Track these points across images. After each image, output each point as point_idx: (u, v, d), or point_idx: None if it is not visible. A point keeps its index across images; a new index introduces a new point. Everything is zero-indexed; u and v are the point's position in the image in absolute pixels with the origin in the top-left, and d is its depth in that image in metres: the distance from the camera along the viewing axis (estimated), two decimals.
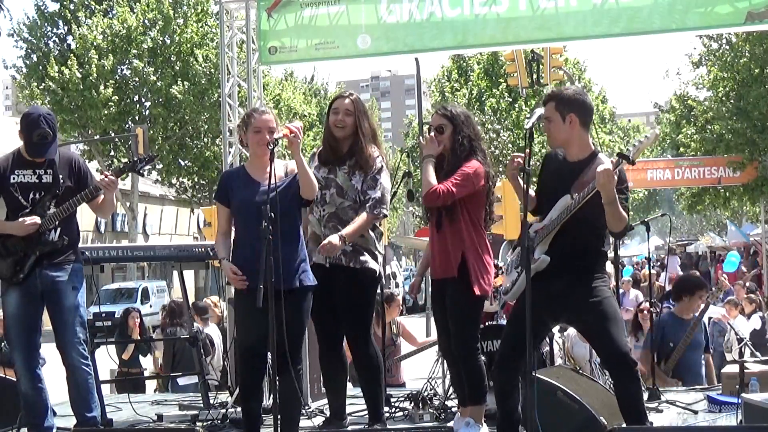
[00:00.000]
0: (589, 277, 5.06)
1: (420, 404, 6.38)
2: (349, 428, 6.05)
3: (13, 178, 5.67)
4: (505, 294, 5.40)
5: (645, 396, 6.86)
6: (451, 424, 5.94)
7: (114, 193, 5.82)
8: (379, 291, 6.40)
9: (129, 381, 9.94)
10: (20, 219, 5.62)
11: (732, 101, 26.50)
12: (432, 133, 5.73)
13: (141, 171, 6.07)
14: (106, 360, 8.41)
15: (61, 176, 5.73)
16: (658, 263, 24.86)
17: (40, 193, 5.68)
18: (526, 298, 4.60)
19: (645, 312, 9.50)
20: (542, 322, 5.15)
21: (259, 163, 5.36)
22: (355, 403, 6.72)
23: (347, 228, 5.72)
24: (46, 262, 5.65)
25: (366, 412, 6.46)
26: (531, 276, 4.74)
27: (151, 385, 11.21)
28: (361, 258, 5.83)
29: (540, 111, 5.10)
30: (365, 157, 5.84)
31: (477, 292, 5.61)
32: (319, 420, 6.39)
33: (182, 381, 9.51)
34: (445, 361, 6.62)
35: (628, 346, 5.29)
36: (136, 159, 5.93)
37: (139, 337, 10.72)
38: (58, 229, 5.69)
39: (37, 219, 5.63)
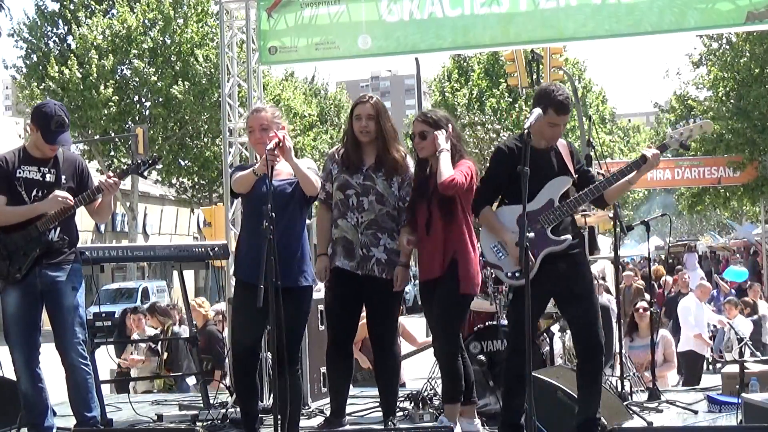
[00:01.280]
0: (586, 260, 5.48)
1: (420, 404, 6.38)
2: (349, 428, 6.05)
3: (19, 173, 5.69)
4: (516, 278, 5.33)
5: (645, 396, 6.88)
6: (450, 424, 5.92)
7: (112, 196, 5.83)
8: None
9: (129, 381, 9.93)
10: (54, 193, 5.62)
11: (732, 101, 26.51)
12: (415, 140, 5.75)
13: (144, 173, 6.07)
14: (107, 360, 8.41)
15: (63, 176, 5.74)
16: (655, 262, 24.83)
17: (43, 191, 5.69)
18: (525, 297, 4.61)
19: (641, 311, 9.51)
20: (544, 304, 5.45)
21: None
22: (356, 403, 6.73)
23: (404, 257, 5.86)
24: (46, 262, 5.65)
25: (366, 412, 6.47)
26: (544, 257, 5.16)
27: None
28: (394, 269, 5.83)
29: (538, 111, 5.14)
30: (393, 160, 5.82)
31: (464, 291, 5.61)
32: (319, 420, 6.39)
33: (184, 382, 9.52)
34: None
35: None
36: (139, 161, 5.93)
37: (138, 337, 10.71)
38: (58, 229, 5.69)
39: (68, 195, 5.63)
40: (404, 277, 5.84)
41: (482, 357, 6.26)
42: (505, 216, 5.34)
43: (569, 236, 5.26)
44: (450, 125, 5.75)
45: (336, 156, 5.97)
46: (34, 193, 5.68)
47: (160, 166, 30.83)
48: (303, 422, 6.37)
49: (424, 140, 5.71)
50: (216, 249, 7.02)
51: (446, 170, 5.49)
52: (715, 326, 13.25)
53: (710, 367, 13.22)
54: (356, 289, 5.79)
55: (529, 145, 4.87)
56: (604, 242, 18.71)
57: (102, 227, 37.19)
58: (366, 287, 5.79)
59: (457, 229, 5.60)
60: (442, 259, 5.59)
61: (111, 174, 5.75)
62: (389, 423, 5.80)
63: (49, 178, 5.72)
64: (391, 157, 5.81)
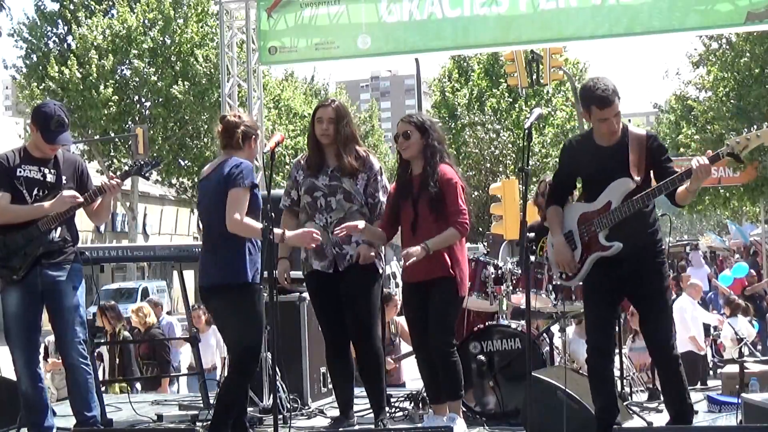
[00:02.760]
0: (656, 265, 5.18)
1: (420, 404, 6.38)
2: (349, 429, 6.05)
3: (20, 172, 5.69)
4: (567, 279, 5.36)
5: (645, 396, 6.88)
6: (447, 422, 5.90)
7: (112, 198, 5.84)
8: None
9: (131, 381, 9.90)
10: (60, 194, 5.64)
11: (732, 101, 26.50)
12: (399, 140, 5.72)
13: (146, 175, 6.08)
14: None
15: (64, 177, 5.75)
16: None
17: (43, 191, 5.69)
18: (526, 297, 4.62)
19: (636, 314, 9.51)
20: (614, 305, 5.30)
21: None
22: (356, 404, 6.73)
23: (371, 232, 5.78)
24: (46, 262, 5.65)
25: (367, 411, 6.47)
26: (595, 261, 5.06)
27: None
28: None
29: (539, 111, 5.16)
30: (346, 164, 5.85)
31: (462, 293, 5.64)
32: (319, 420, 6.40)
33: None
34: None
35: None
36: (142, 163, 5.95)
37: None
38: (59, 229, 5.70)
39: (76, 193, 5.66)
40: (366, 254, 5.74)
41: (482, 357, 6.25)
42: (569, 214, 5.28)
43: (618, 243, 5.09)
44: (434, 126, 5.74)
45: (302, 162, 6.06)
46: (35, 192, 5.68)
47: (160, 167, 30.83)
48: (303, 422, 6.39)
49: (407, 140, 5.66)
50: None
51: (448, 241, 5.52)
52: (715, 327, 13.22)
53: (710, 372, 13.14)
54: (335, 289, 5.84)
55: (530, 143, 4.88)
56: None
57: (102, 227, 37.21)
58: (341, 279, 5.85)
59: (446, 228, 5.59)
60: (437, 258, 5.56)
61: (113, 175, 5.76)
62: (380, 423, 5.81)
63: (49, 178, 5.73)
64: (344, 162, 5.85)
